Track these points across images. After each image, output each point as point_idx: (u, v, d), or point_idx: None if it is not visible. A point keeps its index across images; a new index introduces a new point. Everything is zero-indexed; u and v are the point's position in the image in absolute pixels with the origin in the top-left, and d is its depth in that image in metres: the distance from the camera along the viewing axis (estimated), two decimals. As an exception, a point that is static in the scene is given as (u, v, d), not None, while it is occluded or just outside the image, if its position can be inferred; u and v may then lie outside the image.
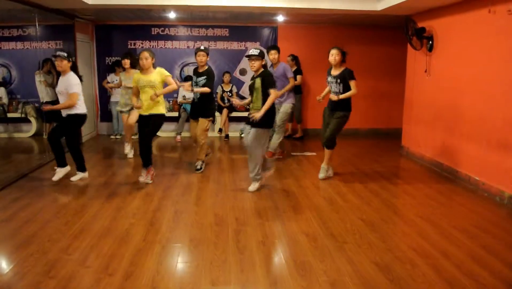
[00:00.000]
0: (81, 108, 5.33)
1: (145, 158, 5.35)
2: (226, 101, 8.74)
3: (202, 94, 5.74)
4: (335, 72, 5.46)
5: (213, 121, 6.21)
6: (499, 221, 4.33)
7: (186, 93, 8.42)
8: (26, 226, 4.02)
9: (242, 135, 8.85)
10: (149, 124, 5.26)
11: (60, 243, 3.65)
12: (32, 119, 8.33)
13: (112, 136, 8.78)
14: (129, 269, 3.20)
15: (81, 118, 5.39)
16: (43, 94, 7.53)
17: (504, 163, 4.89)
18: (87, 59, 8.69)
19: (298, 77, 8.07)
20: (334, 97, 5.40)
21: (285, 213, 4.46)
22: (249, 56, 4.96)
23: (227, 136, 8.85)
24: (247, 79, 9.17)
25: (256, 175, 5.11)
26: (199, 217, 4.33)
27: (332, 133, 5.53)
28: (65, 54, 5.18)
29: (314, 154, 7.32)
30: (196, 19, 8.61)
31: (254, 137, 4.91)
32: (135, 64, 6.54)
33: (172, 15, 7.91)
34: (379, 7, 6.56)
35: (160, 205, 4.67)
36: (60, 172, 5.43)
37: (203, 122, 5.80)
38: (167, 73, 5.24)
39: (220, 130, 8.90)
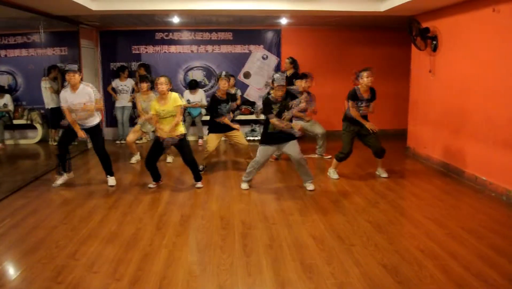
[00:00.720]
0: (99, 116, 5.57)
1: (197, 172, 5.54)
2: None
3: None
4: (366, 95, 5.60)
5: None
6: (507, 221, 4.30)
7: (191, 97, 8.44)
8: (34, 232, 4.04)
9: (247, 138, 8.89)
10: (179, 149, 5.39)
11: (68, 248, 3.66)
12: (38, 126, 8.38)
13: (117, 142, 8.80)
14: (136, 274, 3.20)
15: (100, 125, 5.63)
16: (49, 100, 7.58)
17: (511, 162, 4.86)
18: (92, 65, 8.73)
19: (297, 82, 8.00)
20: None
21: (291, 216, 4.45)
22: (279, 87, 4.90)
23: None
24: (251, 82, 9.19)
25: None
26: (205, 221, 4.33)
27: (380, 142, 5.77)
28: (77, 67, 5.18)
29: (315, 156, 7.30)
30: (200, 23, 8.64)
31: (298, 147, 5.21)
32: (152, 86, 6.53)
33: (176, 19, 7.94)
34: (382, 8, 6.55)
35: (167, 210, 4.68)
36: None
37: (239, 132, 6.29)
38: (180, 102, 5.21)
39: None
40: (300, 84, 6.59)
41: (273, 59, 9.20)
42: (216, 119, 6.07)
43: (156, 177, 5.50)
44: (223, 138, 6.75)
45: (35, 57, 8.21)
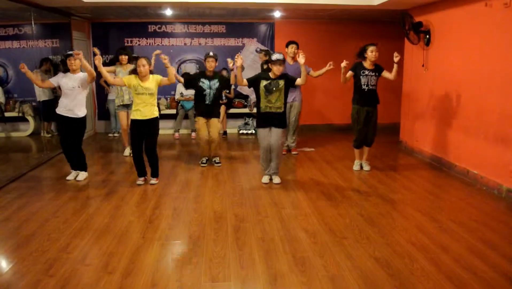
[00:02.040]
0: (85, 108, 5.54)
1: (156, 167, 5.43)
2: (223, 98, 8.72)
3: (216, 98, 6.08)
4: (371, 67, 5.64)
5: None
6: (498, 214, 4.34)
7: (184, 90, 8.41)
8: (25, 225, 4.02)
9: (241, 131, 8.90)
10: (148, 130, 5.21)
11: (59, 241, 3.65)
12: (30, 118, 8.30)
13: (110, 135, 8.76)
14: (128, 267, 3.20)
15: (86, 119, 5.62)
16: (40, 92, 7.51)
17: (502, 156, 4.90)
18: (84, 57, 8.64)
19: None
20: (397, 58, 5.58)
21: (284, 209, 4.46)
22: (275, 62, 5.01)
23: (225, 133, 8.84)
24: (244, 76, 9.09)
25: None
26: (198, 214, 4.33)
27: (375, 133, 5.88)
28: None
29: (312, 149, 7.31)
30: (192, 16, 8.58)
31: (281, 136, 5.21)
32: (131, 59, 6.66)
33: (168, 12, 7.89)
34: (376, 1, 6.53)
35: (159, 203, 4.68)
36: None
37: (217, 123, 6.12)
38: (161, 77, 5.19)
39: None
40: (293, 50, 6.47)
41: (266, 53, 9.16)
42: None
43: (142, 172, 5.36)
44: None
45: (27, 49, 8.12)
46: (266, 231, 3.89)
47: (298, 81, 5.13)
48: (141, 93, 5.09)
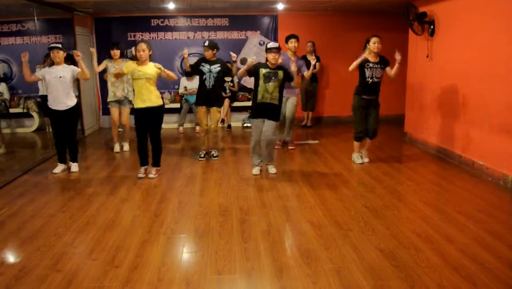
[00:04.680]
0: (75, 98, 5.57)
1: (159, 156, 5.44)
2: (227, 91, 8.71)
3: (217, 82, 5.98)
4: (375, 59, 5.57)
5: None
6: (503, 205, 4.33)
7: (188, 84, 8.41)
8: (32, 220, 4.05)
9: (245, 124, 8.89)
10: (152, 119, 5.20)
11: (66, 236, 3.67)
12: (34, 114, 8.34)
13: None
14: (135, 261, 3.22)
15: (79, 109, 5.68)
16: (44, 88, 7.52)
17: (507, 147, 4.88)
18: (88, 52, 8.63)
19: (318, 64, 8.11)
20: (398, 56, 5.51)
21: (289, 202, 4.46)
22: (271, 49, 5.08)
23: (229, 126, 8.84)
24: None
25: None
26: (203, 207, 4.34)
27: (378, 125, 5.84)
28: (60, 46, 5.37)
29: (317, 142, 7.30)
30: (195, 9, 8.55)
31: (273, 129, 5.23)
32: (124, 54, 6.71)
33: (171, 5, 7.86)
34: (380, -8, 6.50)
35: (164, 197, 4.69)
36: (60, 167, 5.69)
37: (216, 113, 6.04)
38: (162, 68, 5.13)
39: (223, 120, 8.89)
40: (293, 44, 6.32)
41: (269, 45, 9.12)
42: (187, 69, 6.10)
43: (144, 161, 5.38)
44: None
45: (30, 45, 8.14)
46: (271, 223, 3.89)
47: (294, 81, 5.29)
48: (137, 78, 5.06)
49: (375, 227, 3.78)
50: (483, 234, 3.60)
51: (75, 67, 5.45)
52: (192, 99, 8.47)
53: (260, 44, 9.12)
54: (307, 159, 6.27)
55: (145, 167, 5.43)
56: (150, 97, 5.12)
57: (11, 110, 8.28)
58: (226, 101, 8.67)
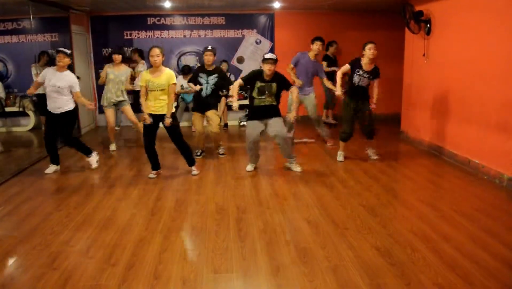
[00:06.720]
0: (73, 103, 5.50)
1: (189, 155, 5.44)
2: (224, 90, 8.70)
3: (213, 91, 6.04)
4: (368, 68, 5.58)
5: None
6: (499, 203, 4.35)
7: (184, 82, 8.40)
8: (28, 219, 4.04)
9: (242, 124, 8.89)
10: (166, 128, 5.18)
11: (62, 235, 3.66)
12: (30, 113, 8.31)
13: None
14: (131, 259, 3.22)
15: (75, 112, 5.58)
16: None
17: (503, 145, 4.90)
18: (83, 51, 8.64)
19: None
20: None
21: (285, 200, 4.47)
22: (267, 60, 5.08)
23: (226, 125, 8.84)
24: (245, 67, 9.12)
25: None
26: (200, 206, 4.34)
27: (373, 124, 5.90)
28: (68, 52, 5.34)
29: (313, 140, 7.31)
30: (192, 7, 8.55)
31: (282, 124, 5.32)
32: (125, 60, 6.66)
33: (167, 4, 7.85)
34: (376, -9, 6.51)
35: (161, 195, 4.69)
36: (52, 168, 5.65)
37: (215, 117, 6.09)
38: (175, 81, 5.06)
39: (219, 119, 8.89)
40: (318, 47, 6.44)
41: (266, 44, 9.15)
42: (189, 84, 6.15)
43: (156, 165, 5.33)
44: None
45: (26, 44, 8.11)
46: (268, 222, 3.90)
47: (292, 93, 5.37)
48: (152, 90, 4.99)
49: (372, 225, 3.79)
50: (478, 232, 3.62)
51: (73, 83, 5.36)
52: (189, 98, 8.46)
53: (256, 42, 9.12)
54: (303, 157, 6.26)
55: (156, 171, 5.37)
56: (162, 106, 5.05)
57: (7, 109, 8.25)
58: (223, 100, 8.66)
